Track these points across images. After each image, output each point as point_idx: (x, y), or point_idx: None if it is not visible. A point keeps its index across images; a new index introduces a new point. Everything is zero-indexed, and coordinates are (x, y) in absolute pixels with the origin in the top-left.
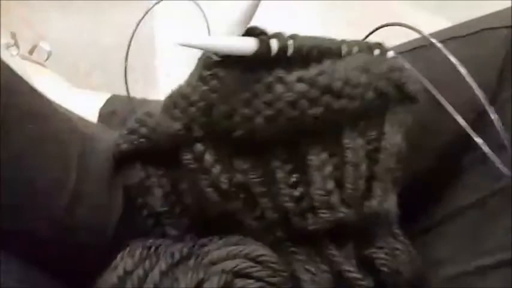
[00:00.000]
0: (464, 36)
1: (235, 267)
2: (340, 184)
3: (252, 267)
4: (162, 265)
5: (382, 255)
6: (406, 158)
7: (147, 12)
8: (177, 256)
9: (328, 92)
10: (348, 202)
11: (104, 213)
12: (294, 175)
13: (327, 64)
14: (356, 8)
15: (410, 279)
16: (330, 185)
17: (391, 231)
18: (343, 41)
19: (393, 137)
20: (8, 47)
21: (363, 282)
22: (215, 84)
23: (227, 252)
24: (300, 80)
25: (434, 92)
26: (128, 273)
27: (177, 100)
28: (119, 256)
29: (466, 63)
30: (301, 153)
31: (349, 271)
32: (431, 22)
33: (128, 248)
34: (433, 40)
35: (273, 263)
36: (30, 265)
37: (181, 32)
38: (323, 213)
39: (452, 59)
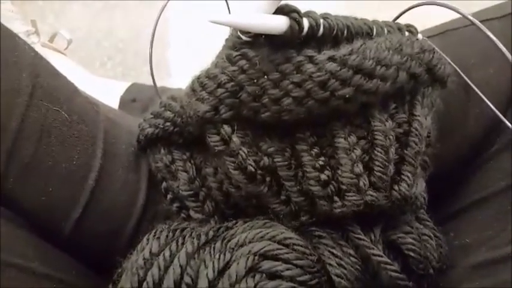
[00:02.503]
0: (498, 18)
1: (263, 249)
2: (368, 167)
3: (279, 249)
4: (189, 247)
5: (410, 240)
6: (436, 143)
7: (165, 5)
8: (203, 238)
9: (359, 72)
10: (376, 186)
11: (129, 196)
12: (321, 158)
13: (358, 44)
14: None
15: (437, 264)
16: (359, 168)
17: (418, 217)
18: (374, 22)
19: (423, 120)
20: (28, 34)
21: (391, 267)
22: (243, 64)
23: (254, 235)
24: (331, 59)
25: (462, 74)
26: (154, 255)
27: (205, 81)
28: (144, 238)
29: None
30: (329, 136)
31: (377, 255)
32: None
33: (153, 231)
34: (472, 18)
35: (300, 246)
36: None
37: (194, 24)
38: (351, 196)
39: (493, 38)
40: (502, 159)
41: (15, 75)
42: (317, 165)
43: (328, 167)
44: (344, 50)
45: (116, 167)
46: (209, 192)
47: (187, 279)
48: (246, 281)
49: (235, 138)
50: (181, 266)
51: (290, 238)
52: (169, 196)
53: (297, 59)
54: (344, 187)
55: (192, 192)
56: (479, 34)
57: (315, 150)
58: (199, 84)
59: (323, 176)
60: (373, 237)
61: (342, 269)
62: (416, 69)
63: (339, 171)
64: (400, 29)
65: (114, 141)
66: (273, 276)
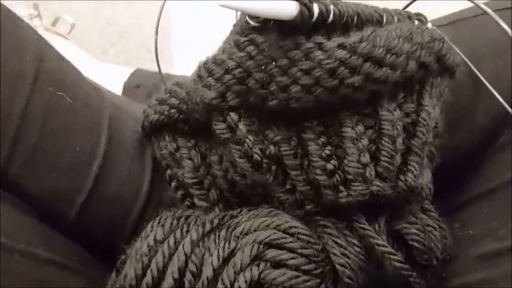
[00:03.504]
0: (510, 8)
1: (268, 237)
2: (375, 157)
3: (283, 238)
4: (193, 235)
5: (414, 231)
6: (444, 134)
7: None
8: (208, 226)
9: (369, 60)
10: (382, 176)
11: (134, 182)
12: (328, 148)
13: (368, 31)
14: None
15: (441, 255)
16: (365, 157)
17: (423, 207)
18: (384, 9)
19: (431, 110)
20: (31, 17)
21: (395, 257)
22: (251, 50)
23: (259, 223)
24: (340, 46)
25: (471, 64)
26: (158, 242)
27: (212, 67)
28: (149, 226)
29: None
30: (336, 126)
31: (381, 245)
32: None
33: (157, 218)
34: (485, 7)
35: (305, 235)
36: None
37: (197, 13)
38: (357, 186)
39: (505, 27)
40: (509, 152)
41: (19, 59)
42: (323, 155)
43: (334, 157)
44: (354, 37)
45: (120, 154)
46: (214, 180)
47: (191, 266)
48: (251, 269)
49: (241, 126)
50: (185, 254)
51: (295, 227)
52: (173, 184)
53: (306, 46)
54: (350, 177)
55: (196, 180)
56: (490, 24)
57: (322, 139)
58: (206, 70)
59: (329, 166)
60: (377, 227)
61: (345, 258)
62: (426, 58)
63: (345, 161)
64: (410, 17)
65: (118, 127)
66: (277, 264)
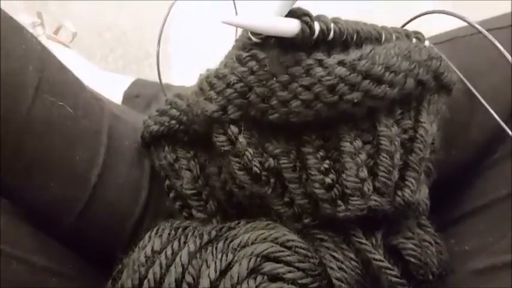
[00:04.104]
0: (505, 27)
1: (265, 250)
2: (373, 172)
3: (281, 251)
4: (191, 246)
5: (411, 246)
6: (440, 150)
7: (173, 4)
8: (205, 238)
9: (368, 77)
10: (380, 191)
11: (131, 192)
12: (326, 162)
13: (367, 49)
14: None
15: (437, 271)
16: (363, 172)
17: (420, 223)
18: (382, 27)
19: (428, 127)
20: (34, 26)
21: (391, 271)
22: (253, 65)
23: (257, 236)
24: (340, 63)
25: (467, 82)
26: (156, 252)
27: (214, 81)
28: (146, 236)
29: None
30: (335, 140)
31: (378, 259)
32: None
33: (155, 229)
34: (479, 27)
35: (303, 248)
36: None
37: (195, 18)
38: (355, 200)
39: (499, 46)
40: (503, 167)
41: (22, 70)
42: (322, 168)
43: (332, 171)
44: (354, 54)
45: (119, 163)
46: (212, 191)
47: (188, 278)
48: (248, 282)
49: (241, 139)
50: (183, 265)
51: (292, 240)
52: (171, 194)
53: (307, 62)
54: (348, 191)
55: (195, 191)
56: (486, 42)
57: (321, 153)
58: (208, 83)
59: (327, 180)
60: (374, 242)
61: (342, 272)
62: (423, 76)
63: (344, 175)
64: (407, 35)
65: (118, 137)
66: (274, 278)
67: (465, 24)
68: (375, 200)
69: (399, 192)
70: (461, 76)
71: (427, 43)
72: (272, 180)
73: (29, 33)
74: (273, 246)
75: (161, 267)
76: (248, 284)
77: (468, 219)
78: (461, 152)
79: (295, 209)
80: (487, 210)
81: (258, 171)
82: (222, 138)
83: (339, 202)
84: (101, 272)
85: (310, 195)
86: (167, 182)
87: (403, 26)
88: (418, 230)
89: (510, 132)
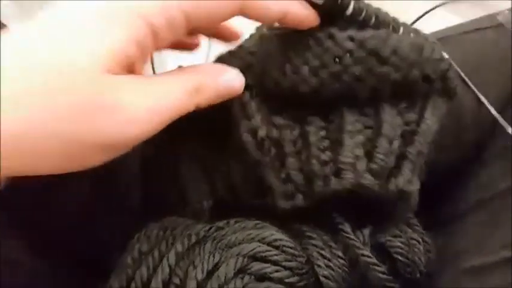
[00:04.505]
0: (491, 28)
1: (252, 250)
2: (370, 155)
3: (268, 251)
4: (178, 247)
5: (398, 244)
6: (435, 149)
7: None
8: (193, 238)
9: (374, 55)
10: (374, 172)
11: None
12: (326, 141)
13: (382, 32)
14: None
15: (424, 269)
16: (359, 151)
17: (408, 221)
18: (403, 23)
19: (431, 124)
20: None
21: (379, 268)
22: (273, 36)
23: (244, 236)
24: (350, 38)
25: (469, 81)
26: (143, 254)
27: (236, 50)
28: (136, 237)
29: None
30: (337, 123)
31: (366, 255)
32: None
33: (144, 229)
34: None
35: (290, 247)
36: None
37: None
38: (347, 174)
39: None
40: (492, 167)
41: None
42: (321, 146)
43: (330, 150)
44: (366, 33)
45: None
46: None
47: (175, 279)
48: (235, 282)
49: (253, 103)
50: (170, 266)
51: (280, 240)
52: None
53: (319, 35)
54: (342, 166)
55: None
56: (477, 42)
57: (322, 133)
58: (228, 53)
59: (323, 156)
60: (362, 239)
61: (329, 270)
62: (431, 73)
63: (340, 151)
64: (417, 32)
65: None
66: (261, 277)
67: (456, 23)
68: (368, 179)
69: (393, 179)
70: (463, 74)
71: (444, 54)
72: (273, 151)
73: None
74: (260, 246)
75: (148, 269)
76: (235, 284)
77: (458, 219)
78: (450, 153)
79: (289, 186)
80: (477, 209)
81: (264, 135)
82: (237, 101)
83: (332, 178)
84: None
85: (306, 173)
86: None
87: (413, 23)
88: (406, 228)
89: (510, 130)
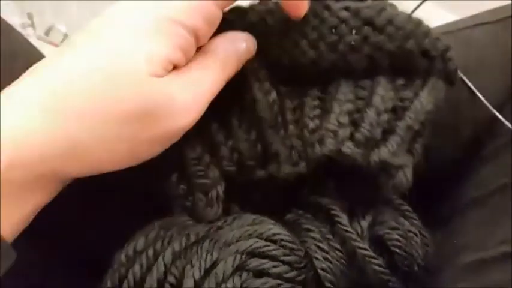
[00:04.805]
0: (492, 22)
1: (250, 247)
2: (356, 124)
3: (266, 246)
4: (176, 246)
5: (396, 237)
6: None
7: None
8: (192, 238)
9: (369, 25)
10: (356, 141)
11: None
12: (317, 110)
13: (378, 2)
14: None
15: (422, 262)
16: (344, 119)
17: (406, 214)
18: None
19: (426, 103)
20: (24, 27)
21: (376, 261)
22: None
23: (242, 233)
24: (345, 8)
25: (464, 77)
26: (137, 253)
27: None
28: (136, 234)
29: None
30: (333, 93)
31: (363, 248)
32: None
33: (145, 228)
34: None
35: (288, 241)
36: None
37: None
38: (329, 142)
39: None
40: (492, 163)
41: (10, 68)
42: (311, 115)
43: (319, 118)
44: (361, 3)
45: None
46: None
47: (171, 278)
48: (233, 279)
49: (263, 70)
50: (165, 265)
51: (278, 234)
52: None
53: (316, 6)
54: (325, 133)
55: (195, 155)
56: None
57: (315, 102)
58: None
59: (312, 124)
60: (359, 231)
61: (327, 263)
62: (430, 48)
63: (327, 118)
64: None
65: None
66: (260, 274)
67: (455, 19)
68: (349, 148)
69: (376, 150)
70: (459, 72)
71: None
72: (279, 119)
73: (17, 32)
74: (257, 241)
75: (142, 267)
76: (233, 282)
77: (458, 215)
78: (449, 148)
79: (293, 153)
80: (476, 206)
81: (274, 98)
82: (249, 66)
83: (316, 145)
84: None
85: (302, 141)
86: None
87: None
88: (403, 221)
89: (510, 125)
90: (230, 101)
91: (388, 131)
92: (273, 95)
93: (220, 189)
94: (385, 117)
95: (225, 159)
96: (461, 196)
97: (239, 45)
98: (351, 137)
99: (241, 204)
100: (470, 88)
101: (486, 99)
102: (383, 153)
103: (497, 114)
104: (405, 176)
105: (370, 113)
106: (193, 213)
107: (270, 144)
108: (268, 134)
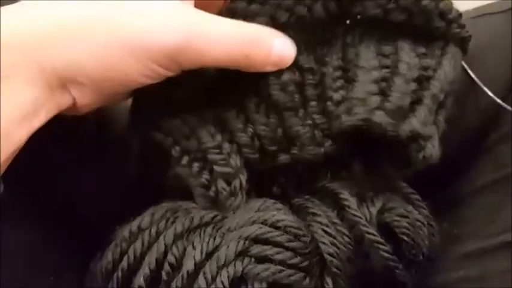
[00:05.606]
0: (499, 12)
1: (253, 233)
2: (384, 93)
3: (270, 232)
4: (178, 227)
5: (405, 224)
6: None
7: None
8: (195, 221)
9: None
10: (387, 110)
11: None
12: (340, 80)
13: None
14: None
15: (427, 252)
16: (372, 87)
17: (414, 202)
18: None
19: (449, 72)
20: None
21: (383, 247)
22: None
23: (246, 219)
24: None
25: (466, 65)
26: (141, 229)
27: None
28: (144, 213)
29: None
30: (354, 61)
31: (371, 234)
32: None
33: (154, 207)
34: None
35: (293, 227)
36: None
37: None
38: (358, 110)
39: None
40: (494, 153)
41: None
42: (334, 86)
43: (344, 88)
44: None
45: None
46: (236, 148)
47: (171, 258)
48: (234, 264)
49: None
50: (166, 245)
51: (283, 220)
52: (185, 159)
53: None
54: (354, 102)
55: (215, 143)
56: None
57: (337, 73)
58: None
59: (337, 96)
60: (368, 217)
61: (334, 247)
62: (445, 8)
63: (353, 87)
64: None
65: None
66: (262, 260)
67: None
68: (380, 116)
69: (407, 120)
70: (463, 63)
71: None
72: (296, 97)
73: None
74: (261, 227)
75: (143, 244)
76: (235, 267)
77: (460, 204)
78: (455, 136)
79: (315, 132)
80: (476, 195)
81: (286, 79)
82: None
83: (343, 116)
84: None
85: (328, 114)
86: (176, 148)
87: None
88: (412, 209)
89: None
90: (246, 86)
91: (414, 101)
92: (286, 75)
93: (243, 178)
94: (412, 86)
95: (247, 146)
96: (463, 186)
97: (272, 47)
98: (381, 106)
99: (260, 193)
100: (476, 75)
101: (490, 90)
102: (414, 123)
103: (498, 99)
104: (434, 147)
105: (399, 81)
106: (216, 203)
107: (290, 127)
108: (286, 116)
